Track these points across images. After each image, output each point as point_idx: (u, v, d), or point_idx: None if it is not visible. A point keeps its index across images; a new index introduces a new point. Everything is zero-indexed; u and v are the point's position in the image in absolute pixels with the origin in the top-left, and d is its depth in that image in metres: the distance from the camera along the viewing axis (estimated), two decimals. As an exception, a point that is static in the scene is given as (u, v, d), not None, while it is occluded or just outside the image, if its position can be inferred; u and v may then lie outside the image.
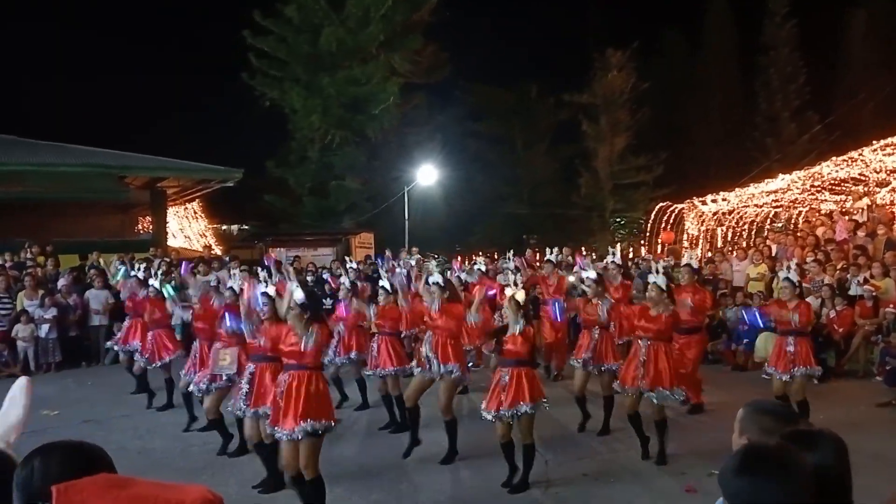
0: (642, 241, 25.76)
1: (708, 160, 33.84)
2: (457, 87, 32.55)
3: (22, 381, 1.97)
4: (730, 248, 16.61)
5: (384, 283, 8.11)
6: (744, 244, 16.03)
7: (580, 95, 32.10)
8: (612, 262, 9.37)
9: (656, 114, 32.49)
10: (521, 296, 6.15)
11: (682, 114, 34.89)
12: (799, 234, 15.89)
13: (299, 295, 5.44)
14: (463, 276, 9.74)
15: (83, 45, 33.93)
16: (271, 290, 5.92)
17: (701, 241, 21.56)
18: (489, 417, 5.98)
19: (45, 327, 12.31)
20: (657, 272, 6.96)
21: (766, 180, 19.55)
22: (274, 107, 26.77)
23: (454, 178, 29.77)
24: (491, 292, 9.23)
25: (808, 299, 9.83)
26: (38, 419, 8.09)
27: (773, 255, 14.18)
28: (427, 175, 25.78)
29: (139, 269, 9.90)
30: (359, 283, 9.13)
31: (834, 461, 1.96)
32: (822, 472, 1.85)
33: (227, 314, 6.87)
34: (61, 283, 13.20)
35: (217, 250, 23.57)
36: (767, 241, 15.96)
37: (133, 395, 9.70)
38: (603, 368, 7.57)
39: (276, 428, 5.20)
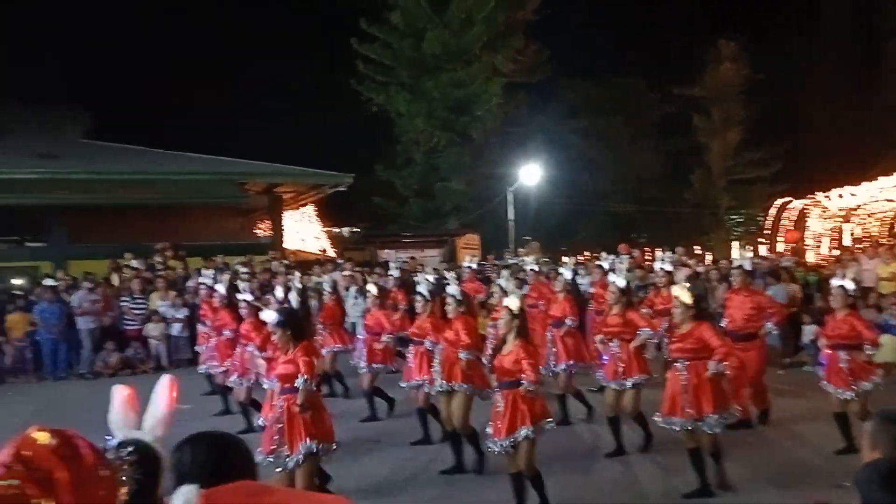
0: (761, 240, 24.49)
1: (828, 153, 31.71)
2: (557, 85, 32.20)
3: (165, 379, 2.08)
4: (859, 247, 15.53)
5: (422, 289, 7.48)
6: (875, 242, 14.91)
7: (690, 88, 30.97)
8: (661, 266, 9.02)
9: (771, 105, 30.84)
10: (514, 304, 5.43)
11: (798, 105, 32.89)
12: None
13: (270, 317, 5.56)
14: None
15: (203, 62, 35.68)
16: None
17: (826, 239, 20.27)
18: (491, 447, 5.38)
19: (178, 326, 13.10)
20: (681, 284, 6.46)
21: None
22: (380, 111, 27.47)
23: (557, 176, 29.47)
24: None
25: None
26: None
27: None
28: (530, 174, 25.73)
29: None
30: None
31: None
32: None
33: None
34: (191, 283, 13.85)
35: (331, 252, 24.41)
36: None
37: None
38: (631, 384, 6.93)
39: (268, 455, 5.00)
